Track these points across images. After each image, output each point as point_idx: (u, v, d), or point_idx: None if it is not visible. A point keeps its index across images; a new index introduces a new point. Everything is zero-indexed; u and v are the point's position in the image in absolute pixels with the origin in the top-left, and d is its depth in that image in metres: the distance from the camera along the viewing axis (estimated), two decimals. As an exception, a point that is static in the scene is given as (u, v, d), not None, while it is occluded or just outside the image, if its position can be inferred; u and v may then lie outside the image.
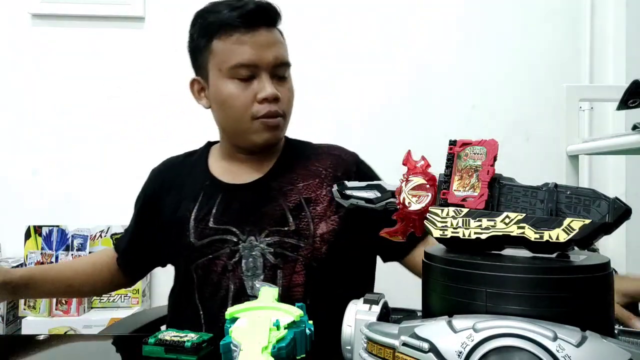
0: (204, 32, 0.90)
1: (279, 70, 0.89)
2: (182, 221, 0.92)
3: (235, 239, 0.89)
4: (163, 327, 1.11)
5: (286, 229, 0.89)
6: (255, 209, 0.90)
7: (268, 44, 0.88)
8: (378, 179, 0.94)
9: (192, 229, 0.91)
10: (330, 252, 0.89)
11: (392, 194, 0.55)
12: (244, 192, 0.92)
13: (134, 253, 1.03)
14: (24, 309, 1.72)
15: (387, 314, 0.53)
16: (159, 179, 1.02)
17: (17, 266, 1.79)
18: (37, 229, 1.82)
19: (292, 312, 0.59)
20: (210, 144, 1.04)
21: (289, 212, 0.89)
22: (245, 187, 0.93)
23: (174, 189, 0.98)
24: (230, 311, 0.61)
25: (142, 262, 1.05)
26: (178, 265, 0.95)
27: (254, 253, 0.88)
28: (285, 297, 0.85)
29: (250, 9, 0.87)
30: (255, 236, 0.89)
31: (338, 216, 0.91)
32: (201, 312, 0.89)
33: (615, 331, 0.44)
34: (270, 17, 0.89)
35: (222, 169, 0.97)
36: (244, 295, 0.86)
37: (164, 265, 1.05)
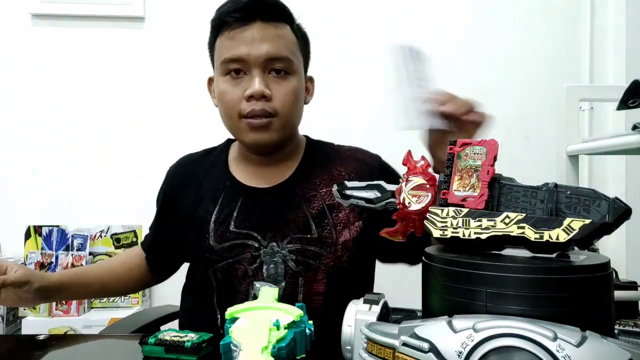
0: (212, 30, 0.90)
1: (275, 65, 0.85)
2: (202, 222, 0.90)
3: (256, 244, 0.87)
4: (163, 327, 1.11)
5: (309, 236, 0.87)
6: (278, 214, 0.89)
7: (261, 38, 0.84)
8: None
9: (212, 231, 0.89)
10: (351, 260, 0.88)
11: (392, 194, 0.55)
12: (266, 196, 0.90)
13: (159, 251, 1.02)
14: (24, 309, 1.72)
15: (387, 314, 0.53)
16: (177, 177, 1.00)
17: (17, 266, 1.79)
18: (37, 229, 1.82)
19: (292, 312, 0.59)
20: (230, 142, 1.02)
21: (311, 220, 0.88)
22: (268, 191, 0.91)
23: (193, 186, 0.96)
24: (230, 311, 0.61)
25: (168, 259, 1.04)
26: (196, 267, 0.93)
27: (275, 259, 0.87)
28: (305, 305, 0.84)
29: (244, 4, 0.84)
30: (277, 242, 0.87)
31: (362, 222, 0.90)
32: (219, 316, 0.88)
33: (615, 331, 0.44)
34: (268, 10, 0.86)
35: (242, 170, 0.95)
36: None
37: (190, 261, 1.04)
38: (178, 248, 0.97)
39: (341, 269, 0.87)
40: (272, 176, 0.92)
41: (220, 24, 0.87)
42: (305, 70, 0.94)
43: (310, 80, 0.97)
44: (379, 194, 0.55)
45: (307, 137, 1.01)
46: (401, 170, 0.90)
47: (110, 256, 1.83)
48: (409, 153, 0.55)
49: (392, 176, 0.93)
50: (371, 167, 0.95)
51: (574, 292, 0.40)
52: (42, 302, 0.86)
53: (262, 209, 0.89)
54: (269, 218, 0.88)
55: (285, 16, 0.88)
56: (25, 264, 1.78)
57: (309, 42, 0.95)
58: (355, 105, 1.95)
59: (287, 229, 0.87)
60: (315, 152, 0.97)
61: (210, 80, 0.95)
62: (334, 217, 0.89)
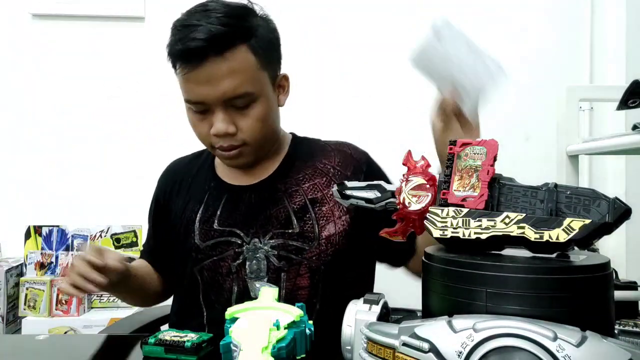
0: (168, 58, 0.86)
1: (236, 102, 0.81)
2: (188, 222, 0.92)
3: (239, 241, 0.89)
4: (163, 327, 1.11)
5: (290, 231, 0.88)
6: (260, 211, 0.89)
7: (216, 78, 0.79)
8: (388, 181, 0.93)
9: (197, 230, 0.91)
10: (337, 254, 0.88)
11: (392, 194, 0.55)
12: (248, 193, 0.91)
13: (161, 257, 1.01)
14: (24, 309, 1.72)
15: (387, 314, 0.53)
16: (167, 183, 1.01)
17: (17, 266, 1.79)
18: (37, 229, 1.82)
19: (292, 312, 0.59)
20: None
21: (293, 214, 0.88)
22: (250, 189, 0.92)
23: (182, 190, 0.97)
24: (230, 311, 0.61)
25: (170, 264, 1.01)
26: (184, 267, 0.94)
27: (257, 255, 0.87)
28: (289, 300, 0.84)
29: (191, 46, 0.78)
30: (260, 238, 0.88)
31: (349, 216, 0.89)
32: (205, 314, 0.89)
33: (615, 331, 0.44)
34: (218, 43, 0.78)
35: (227, 170, 0.96)
36: (247, 297, 0.86)
37: None
38: (172, 252, 0.97)
39: (326, 264, 0.87)
40: (256, 174, 0.93)
41: (173, 60, 0.84)
42: (276, 76, 0.89)
43: (285, 78, 0.93)
44: (379, 194, 0.55)
45: (293, 134, 1.01)
46: (393, 172, 0.90)
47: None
48: (409, 153, 0.55)
49: (377, 175, 0.92)
50: (357, 160, 0.95)
51: (574, 292, 0.40)
52: (112, 290, 0.86)
53: (244, 206, 0.91)
54: (252, 215, 0.89)
55: (238, 37, 0.80)
56: (26, 265, 1.79)
57: (273, 45, 0.88)
58: (355, 105, 1.95)
59: (269, 224, 0.88)
60: (300, 149, 0.97)
61: None
62: (316, 211, 0.89)
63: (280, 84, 0.91)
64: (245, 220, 0.89)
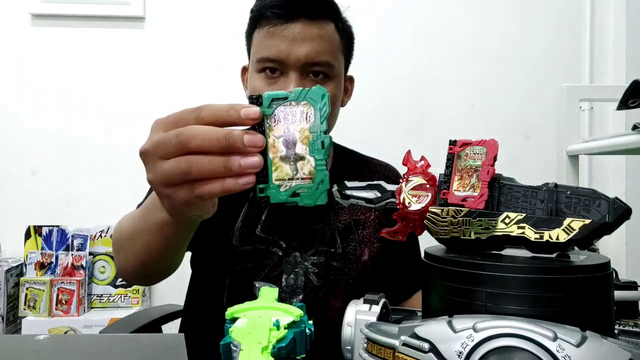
0: (250, 20, 0.85)
1: (314, 69, 0.79)
2: (230, 219, 0.85)
3: (280, 252, 0.84)
4: (164, 327, 1.11)
5: (333, 250, 0.85)
6: (304, 224, 0.86)
7: (302, 38, 0.77)
8: None
9: (238, 231, 0.85)
10: (370, 279, 0.87)
11: (392, 194, 0.55)
12: None
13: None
14: (24, 309, 1.72)
15: (387, 314, 0.53)
16: None
17: (17, 266, 1.79)
18: (37, 229, 1.82)
19: (292, 312, 0.59)
20: None
21: (337, 233, 0.86)
22: None
23: None
24: (230, 311, 0.61)
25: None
26: (214, 262, 0.88)
27: (296, 270, 0.84)
28: (321, 320, 0.82)
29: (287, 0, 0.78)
30: (301, 253, 0.84)
31: (380, 244, 0.88)
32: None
33: (615, 331, 0.44)
34: (313, 7, 0.79)
35: None
36: None
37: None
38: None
39: (360, 287, 0.86)
40: None
41: (260, 17, 0.81)
42: (346, 71, 0.89)
43: (350, 80, 0.92)
44: (379, 194, 0.55)
45: (335, 143, 0.98)
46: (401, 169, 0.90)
47: (111, 257, 1.83)
48: (409, 153, 0.55)
49: None
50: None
51: (574, 292, 0.40)
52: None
53: (290, 216, 0.86)
54: (296, 226, 0.86)
55: (331, 13, 0.82)
56: (26, 265, 1.79)
57: (353, 40, 0.90)
58: (355, 105, 1.95)
59: (313, 240, 0.85)
60: (345, 161, 0.95)
61: (244, 70, 0.90)
62: (359, 233, 0.87)
63: (345, 86, 0.90)
64: (289, 231, 0.85)
